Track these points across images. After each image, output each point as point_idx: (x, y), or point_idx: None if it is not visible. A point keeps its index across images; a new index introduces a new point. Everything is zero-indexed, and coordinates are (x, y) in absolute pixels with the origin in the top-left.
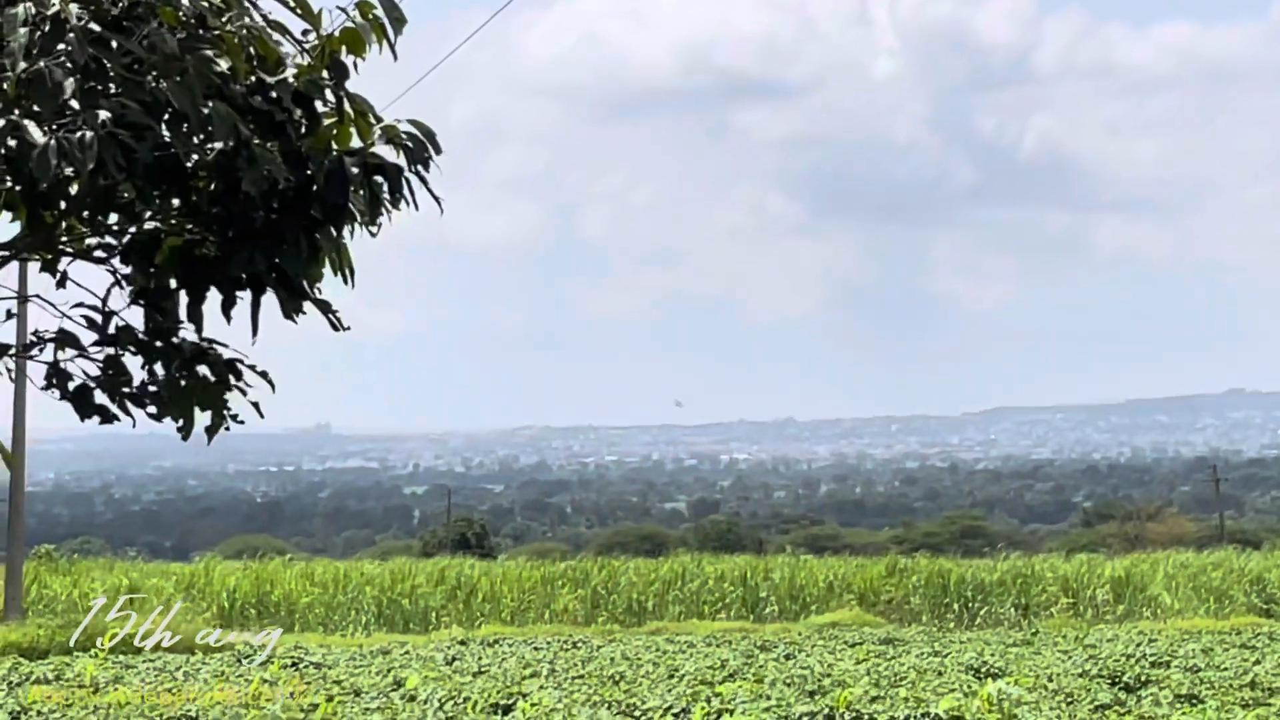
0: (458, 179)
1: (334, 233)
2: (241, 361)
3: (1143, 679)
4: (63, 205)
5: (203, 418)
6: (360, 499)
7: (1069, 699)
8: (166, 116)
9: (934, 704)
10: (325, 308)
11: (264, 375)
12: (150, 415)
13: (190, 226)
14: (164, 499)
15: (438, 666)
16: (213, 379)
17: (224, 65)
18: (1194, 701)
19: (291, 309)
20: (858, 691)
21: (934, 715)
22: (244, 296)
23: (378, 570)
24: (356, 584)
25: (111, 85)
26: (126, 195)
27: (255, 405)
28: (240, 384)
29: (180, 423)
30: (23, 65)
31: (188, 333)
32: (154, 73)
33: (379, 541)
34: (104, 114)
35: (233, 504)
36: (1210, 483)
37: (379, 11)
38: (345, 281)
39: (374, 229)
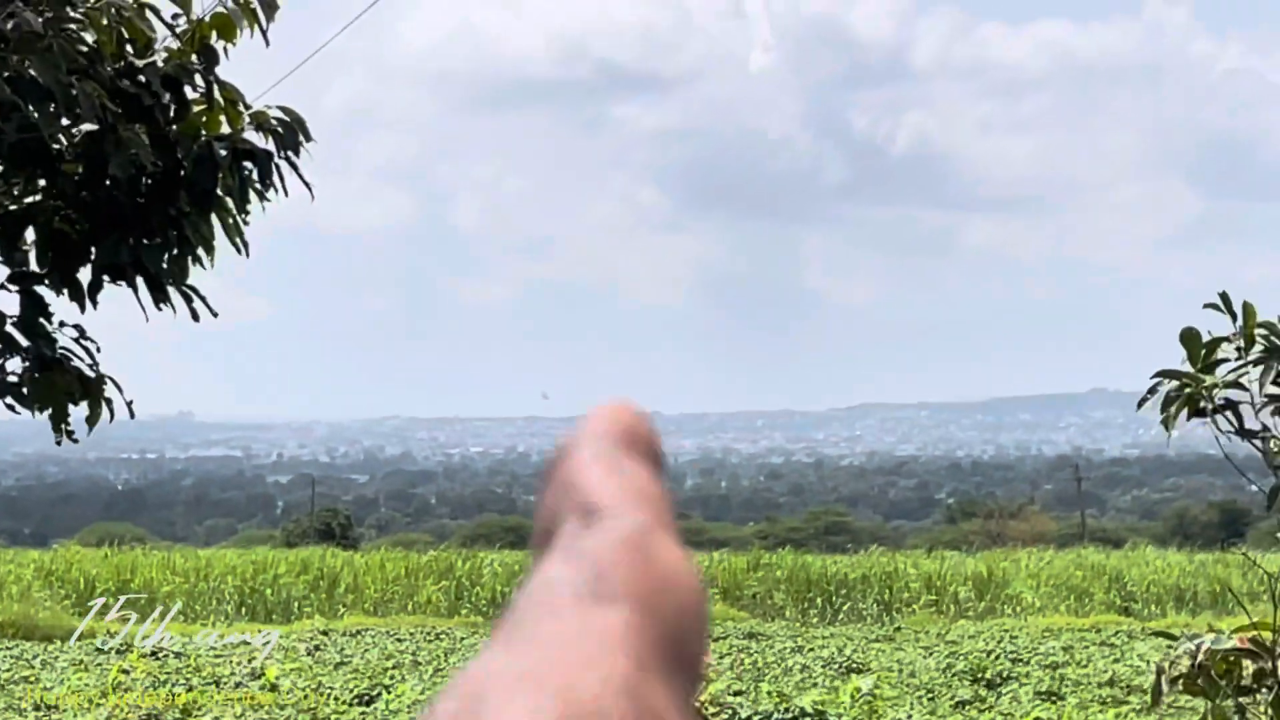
0: (329, 165)
1: (212, 218)
2: (96, 367)
3: (1003, 675)
4: None
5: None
6: (223, 487)
7: (930, 694)
8: (32, 94)
9: (798, 698)
10: (189, 296)
11: (128, 404)
12: (8, 406)
13: (58, 205)
14: (23, 485)
15: (299, 657)
16: (62, 387)
17: (90, 44)
18: (1054, 698)
19: (155, 299)
20: (721, 685)
21: (798, 709)
22: (108, 279)
23: (239, 559)
24: (218, 573)
25: None
26: None
27: (128, 405)
28: (86, 396)
29: (50, 412)
30: None
31: (65, 318)
32: (17, 51)
33: (242, 530)
34: None
35: (93, 491)
36: (1072, 481)
37: None
38: (239, 251)
39: (245, 217)
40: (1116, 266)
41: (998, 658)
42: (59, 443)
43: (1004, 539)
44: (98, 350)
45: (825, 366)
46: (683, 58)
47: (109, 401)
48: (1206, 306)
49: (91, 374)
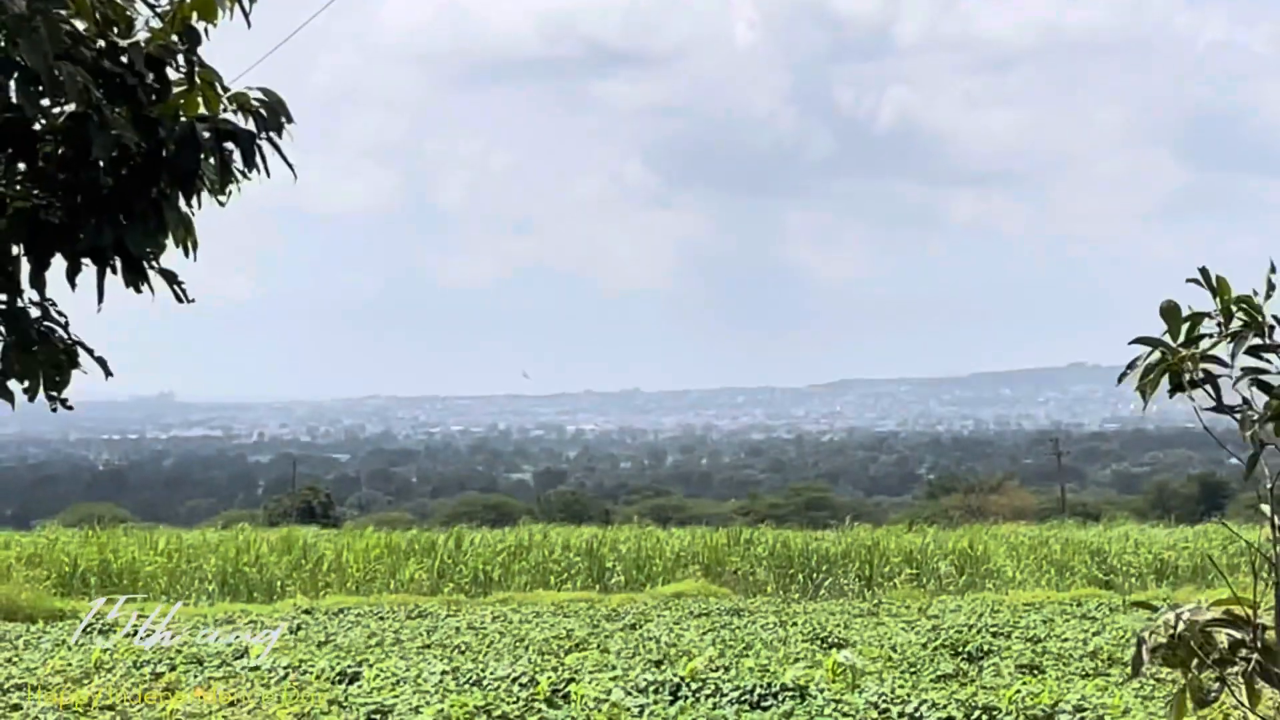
0: (314, 145)
1: (183, 202)
2: (81, 344)
3: (984, 649)
4: None
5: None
6: (204, 468)
7: (912, 668)
8: (16, 76)
9: (780, 673)
10: (170, 278)
11: (101, 362)
12: None
13: (36, 192)
14: (4, 466)
15: (282, 636)
16: (50, 360)
17: (74, 26)
18: (1035, 671)
19: (133, 281)
20: (704, 661)
21: (780, 684)
22: (89, 263)
23: (221, 539)
24: (200, 553)
25: None
26: None
27: (102, 363)
28: (78, 363)
29: (25, 384)
30: None
31: (32, 295)
32: (2, 31)
33: (223, 511)
34: None
35: (74, 472)
36: (1052, 456)
37: None
38: (187, 254)
39: (224, 198)
40: (1099, 240)
41: (979, 631)
42: (54, 410)
43: (984, 513)
44: (66, 324)
45: (806, 343)
46: (668, 35)
47: (102, 361)
48: (1189, 281)
49: (68, 344)
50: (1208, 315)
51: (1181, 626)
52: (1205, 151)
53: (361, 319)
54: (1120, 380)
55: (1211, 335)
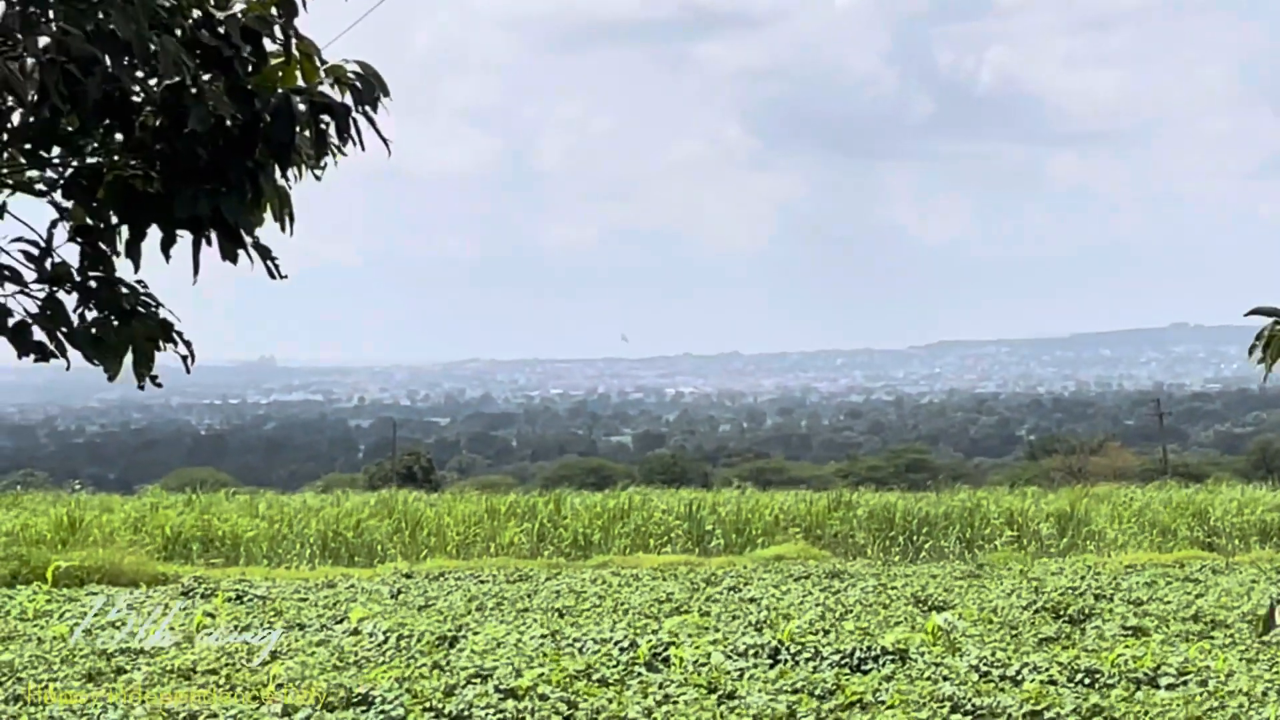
0: (413, 109)
1: (279, 174)
2: (172, 327)
3: (1086, 612)
4: (3, 136)
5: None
6: (305, 432)
7: (1013, 631)
8: (111, 48)
9: (880, 636)
10: (264, 254)
11: (184, 357)
12: (85, 357)
13: (133, 162)
14: (108, 431)
15: (383, 600)
16: (143, 334)
17: None
18: (1138, 634)
19: (229, 253)
20: (803, 624)
21: (880, 647)
22: (184, 235)
23: (322, 503)
24: (301, 517)
25: (53, 14)
26: (69, 128)
27: (185, 359)
28: (169, 341)
29: (131, 360)
30: None
31: (127, 272)
32: (98, 6)
33: (324, 475)
34: (45, 40)
35: (176, 437)
36: (1153, 416)
37: None
38: (284, 229)
39: (319, 170)
40: (1201, 199)
41: (1081, 594)
42: (141, 388)
43: (1085, 475)
44: (157, 305)
45: (906, 304)
46: None
47: (189, 344)
48: None
49: (166, 320)
50: None
51: None
52: None
53: (461, 283)
54: (1251, 353)
55: None
